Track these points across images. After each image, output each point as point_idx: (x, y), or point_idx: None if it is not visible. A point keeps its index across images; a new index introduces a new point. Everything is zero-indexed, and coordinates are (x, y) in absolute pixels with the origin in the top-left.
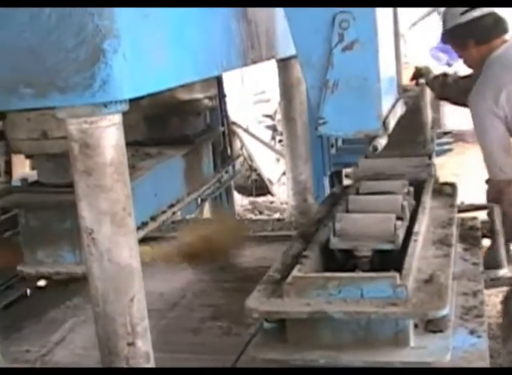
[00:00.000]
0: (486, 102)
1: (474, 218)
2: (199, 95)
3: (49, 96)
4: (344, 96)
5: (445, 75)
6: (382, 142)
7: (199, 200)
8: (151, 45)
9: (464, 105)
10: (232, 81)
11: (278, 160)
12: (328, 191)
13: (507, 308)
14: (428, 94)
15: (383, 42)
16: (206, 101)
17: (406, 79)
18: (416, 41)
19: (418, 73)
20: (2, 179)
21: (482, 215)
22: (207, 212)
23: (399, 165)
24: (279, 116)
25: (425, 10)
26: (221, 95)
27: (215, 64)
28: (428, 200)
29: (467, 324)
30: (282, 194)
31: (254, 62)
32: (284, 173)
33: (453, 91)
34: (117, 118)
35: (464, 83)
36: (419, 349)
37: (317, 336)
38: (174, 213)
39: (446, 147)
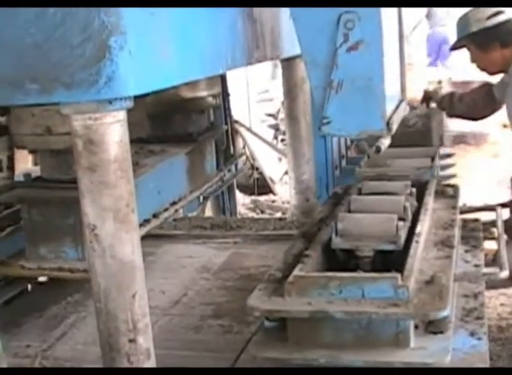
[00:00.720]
0: None
1: (476, 220)
2: (203, 93)
3: (54, 92)
4: (348, 96)
5: (451, 94)
6: (385, 143)
7: (201, 198)
8: (157, 42)
9: (473, 118)
10: (235, 80)
11: (280, 159)
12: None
13: None
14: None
15: (388, 43)
16: (210, 100)
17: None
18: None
19: (428, 96)
20: (5, 174)
21: (484, 217)
22: (208, 210)
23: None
24: (281, 115)
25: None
26: (224, 94)
27: (220, 62)
28: (430, 201)
29: (467, 326)
30: (283, 193)
31: (259, 61)
32: (286, 173)
33: (460, 108)
34: (122, 115)
35: (469, 99)
36: (419, 350)
37: (318, 335)
38: (176, 211)
39: (450, 172)
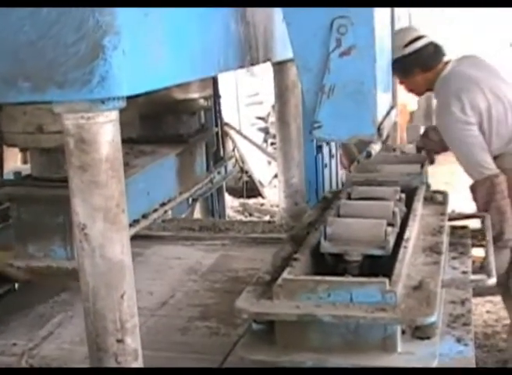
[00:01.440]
0: (454, 115)
1: (465, 226)
2: (195, 95)
3: (47, 90)
4: (340, 101)
5: (425, 133)
6: (376, 148)
7: (190, 200)
8: (151, 43)
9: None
10: (225, 82)
11: (269, 163)
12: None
13: None
14: None
15: (380, 48)
16: (201, 101)
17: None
18: None
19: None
20: None
21: (472, 224)
22: (197, 212)
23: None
24: (271, 119)
25: None
26: (215, 96)
27: (213, 64)
28: (419, 207)
29: (454, 332)
30: (272, 196)
31: (251, 63)
32: (275, 176)
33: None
34: (114, 114)
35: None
36: (406, 355)
37: (305, 338)
38: (166, 212)
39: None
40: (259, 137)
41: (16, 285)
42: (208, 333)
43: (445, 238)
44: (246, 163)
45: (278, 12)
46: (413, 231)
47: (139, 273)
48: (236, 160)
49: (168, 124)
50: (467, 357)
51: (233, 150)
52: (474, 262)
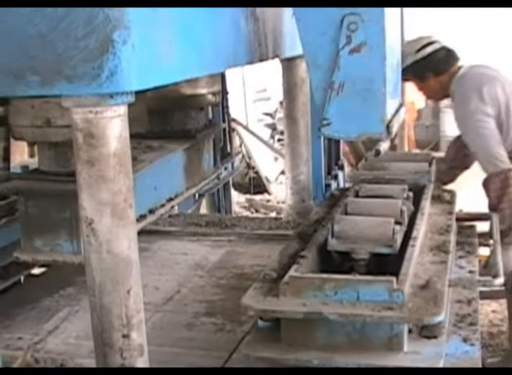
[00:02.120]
0: (473, 105)
1: (472, 226)
2: (203, 90)
3: (56, 84)
4: (349, 98)
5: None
6: (384, 146)
7: (196, 195)
8: (160, 38)
9: (465, 168)
10: (232, 78)
11: (276, 159)
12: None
13: None
14: None
15: (390, 46)
16: (210, 97)
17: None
18: None
19: None
20: (0, 165)
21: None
22: (204, 207)
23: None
24: (279, 115)
25: None
26: (223, 92)
27: (222, 60)
28: (427, 206)
29: (460, 332)
30: (279, 193)
31: (260, 60)
32: (282, 172)
33: (449, 171)
34: (122, 109)
35: (449, 157)
36: (412, 354)
37: (311, 337)
38: (172, 207)
39: None
40: (266, 133)
41: (22, 279)
42: (214, 330)
43: (452, 237)
44: (252, 159)
45: (287, 9)
46: (420, 230)
47: (145, 268)
48: (243, 156)
49: (176, 119)
50: (473, 357)
51: (240, 146)
52: (480, 261)
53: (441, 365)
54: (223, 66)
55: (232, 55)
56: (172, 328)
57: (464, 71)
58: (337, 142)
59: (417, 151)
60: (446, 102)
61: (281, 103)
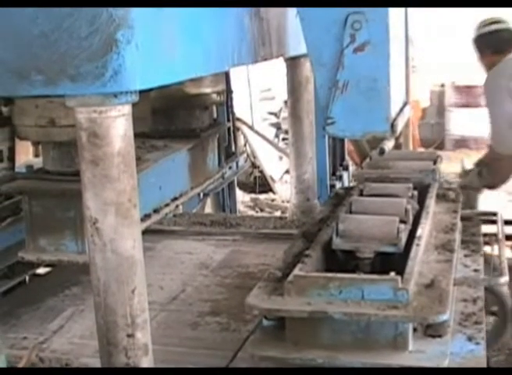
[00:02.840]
0: (501, 80)
1: (476, 224)
2: (207, 90)
3: (60, 84)
4: (353, 97)
5: (479, 172)
6: (389, 145)
7: (201, 195)
8: (164, 37)
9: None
10: (237, 77)
11: (281, 158)
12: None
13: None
14: None
15: (394, 45)
16: (214, 96)
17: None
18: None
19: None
20: (5, 165)
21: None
22: (208, 207)
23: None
24: (283, 114)
25: None
26: (228, 91)
27: (226, 59)
28: (431, 204)
29: (465, 330)
30: (283, 192)
31: (265, 59)
32: (287, 171)
33: (493, 178)
34: (126, 109)
35: (496, 166)
36: (417, 353)
37: (316, 336)
38: (177, 207)
39: None
40: (271, 133)
41: (27, 278)
42: (219, 329)
43: (457, 236)
44: (257, 158)
45: (291, 8)
46: (425, 229)
47: (150, 268)
48: (248, 155)
49: (180, 119)
50: (478, 356)
51: (245, 145)
52: (485, 259)
53: (446, 364)
54: (227, 64)
55: (236, 54)
56: (176, 327)
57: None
58: (342, 141)
59: (421, 149)
60: (451, 101)
61: (285, 102)
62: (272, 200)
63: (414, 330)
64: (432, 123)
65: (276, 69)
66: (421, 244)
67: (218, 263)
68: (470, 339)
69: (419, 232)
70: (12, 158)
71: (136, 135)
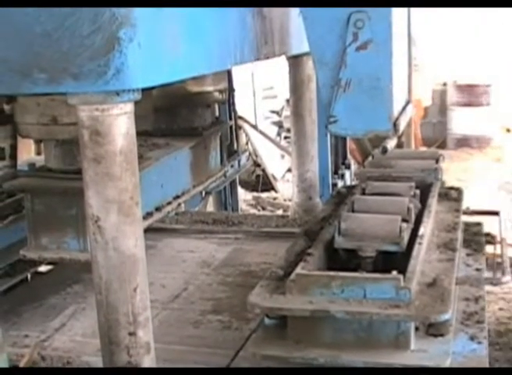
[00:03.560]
0: None
1: (479, 224)
2: (210, 88)
3: (62, 82)
4: (356, 95)
5: None
6: (391, 144)
7: (203, 193)
8: (166, 36)
9: None
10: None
11: (283, 157)
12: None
13: None
14: None
15: (397, 43)
16: (216, 94)
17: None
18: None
19: None
20: (7, 163)
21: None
22: (210, 205)
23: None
24: (285, 113)
25: None
26: (230, 89)
27: (229, 57)
28: (434, 203)
29: (467, 330)
30: (285, 190)
31: (267, 57)
32: (289, 170)
33: None
34: (129, 107)
35: None
36: (419, 352)
37: (318, 334)
38: (179, 205)
39: None
40: (273, 131)
41: (29, 276)
42: (220, 328)
43: (459, 235)
44: (259, 157)
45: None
46: (427, 227)
47: (151, 266)
48: (250, 154)
49: (182, 117)
50: (481, 355)
51: (247, 143)
52: (487, 258)
53: (448, 363)
54: (229, 63)
55: (238, 53)
56: (178, 326)
57: None
58: (344, 140)
59: (423, 148)
60: (453, 100)
61: (287, 101)
62: (274, 198)
63: (416, 329)
64: (433, 121)
65: (278, 67)
66: (423, 243)
67: (220, 262)
68: (472, 338)
69: (421, 231)
70: (14, 156)
71: (138, 133)
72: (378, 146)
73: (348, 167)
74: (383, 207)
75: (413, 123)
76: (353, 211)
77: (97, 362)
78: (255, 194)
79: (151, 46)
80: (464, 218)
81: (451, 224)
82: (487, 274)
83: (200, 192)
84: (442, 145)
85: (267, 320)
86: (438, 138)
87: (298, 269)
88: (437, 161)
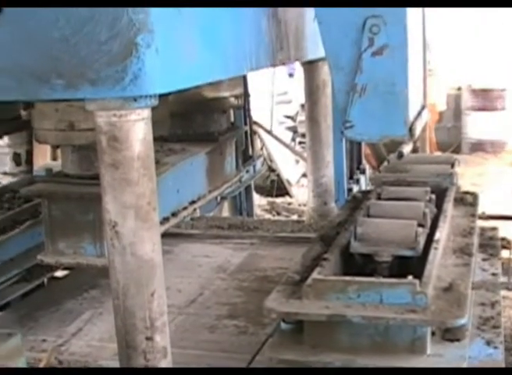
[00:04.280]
0: None
1: (494, 228)
2: (225, 93)
3: (80, 88)
4: (372, 101)
5: None
6: (407, 149)
7: (218, 198)
8: (183, 41)
9: None
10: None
11: (297, 162)
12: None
13: None
14: None
15: (412, 48)
16: (232, 100)
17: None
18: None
19: None
20: (23, 168)
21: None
22: (225, 210)
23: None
24: (300, 118)
25: None
26: (245, 94)
27: (245, 63)
28: (449, 208)
29: (483, 334)
30: (300, 195)
31: (283, 62)
32: (303, 175)
33: None
34: (146, 112)
35: None
36: (435, 357)
37: (334, 339)
38: (195, 210)
39: None
40: (287, 136)
41: (45, 281)
42: (236, 332)
43: (475, 240)
44: (274, 162)
45: (309, 11)
46: (443, 232)
47: (167, 271)
48: (265, 159)
49: (198, 122)
50: (497, 360)
51: (262, 149)
52: (502, 263)
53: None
54: (245, 68)
55: (254, 58)
56: (194, 330)
57: None
58: (359, 145)
59: (438, 153)
60: (467, 104)
61: (302, 106)
62: (289, 203)
63: (432, 333)
64: (448, 126)
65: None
66: (439, 247)
67: (235, 267)
68: (488, 343)
69: (437, 236)
70: (30, 161)
71: (155, 139)
72: (393, 151)
73: (363, 172)
74: (399, 212)
75: (427, 127)
76: (368, 216)
77: (114, 366)
78: (270, 199)
79: (169, 52)
80: (480, 223)
81: (467, 229)
82: (502, 279)
83: (216, 197)
84: (457, 150)
85: (283, 325)
86: (452, 143)
87: (314, 274)
88: (452, 165)
